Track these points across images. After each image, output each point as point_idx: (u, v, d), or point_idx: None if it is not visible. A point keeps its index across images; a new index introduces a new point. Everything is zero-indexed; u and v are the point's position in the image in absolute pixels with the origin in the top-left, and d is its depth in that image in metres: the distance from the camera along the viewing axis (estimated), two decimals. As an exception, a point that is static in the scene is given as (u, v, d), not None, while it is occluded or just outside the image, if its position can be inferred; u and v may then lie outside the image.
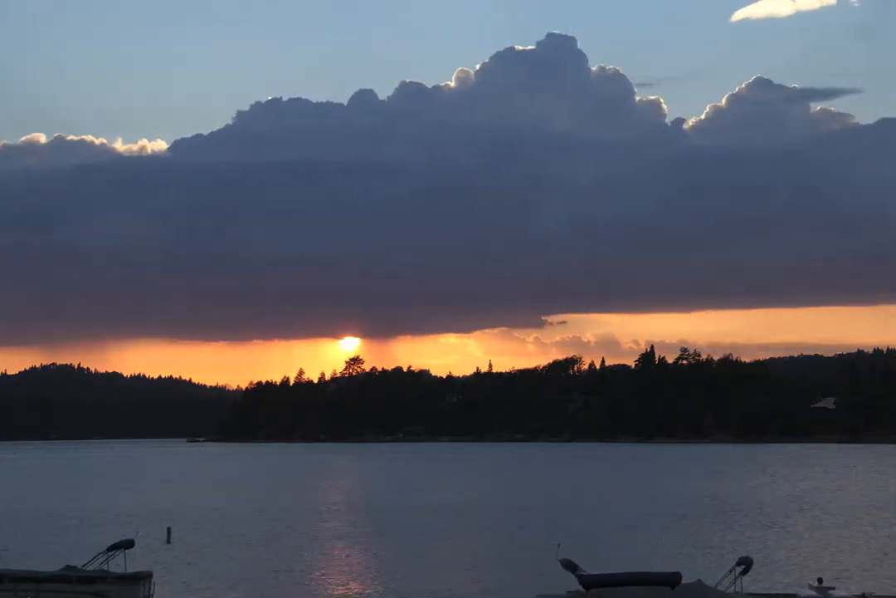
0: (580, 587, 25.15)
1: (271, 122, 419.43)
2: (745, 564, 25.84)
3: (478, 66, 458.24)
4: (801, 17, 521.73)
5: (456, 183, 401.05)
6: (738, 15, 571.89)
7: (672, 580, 24.39)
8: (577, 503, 74.61)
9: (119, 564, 32.69)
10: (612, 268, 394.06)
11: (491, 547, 48.25)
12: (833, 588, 26.30)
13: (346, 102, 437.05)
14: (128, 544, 33.45)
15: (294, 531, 56.23)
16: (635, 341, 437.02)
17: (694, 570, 33.70)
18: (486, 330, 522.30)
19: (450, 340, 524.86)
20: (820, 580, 26.97)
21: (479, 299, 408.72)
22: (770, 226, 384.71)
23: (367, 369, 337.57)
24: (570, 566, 26.26)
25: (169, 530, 51.60)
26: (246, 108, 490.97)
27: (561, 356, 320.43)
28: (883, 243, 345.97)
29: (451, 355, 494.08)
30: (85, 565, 32.43)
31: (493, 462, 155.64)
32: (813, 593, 26.09)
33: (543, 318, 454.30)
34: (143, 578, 31.38)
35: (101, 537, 47.52)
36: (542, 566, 36.24)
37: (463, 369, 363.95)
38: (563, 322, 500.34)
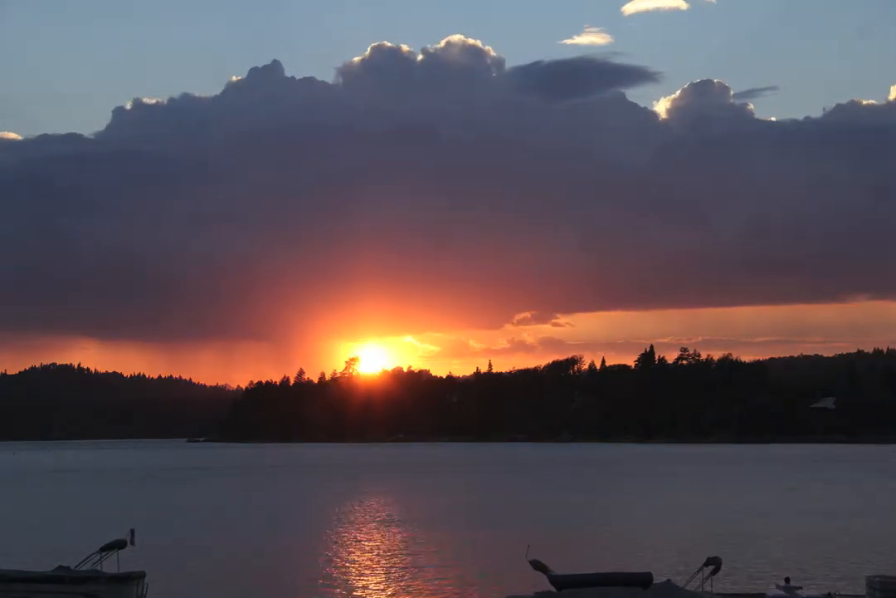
0: (551, 588, 25.13)
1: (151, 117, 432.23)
2: (715, 564, 26.06)
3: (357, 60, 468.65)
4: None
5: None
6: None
7: (644, 580, 24.55)
8: (548, 503, 74.64)
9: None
10: (553, 269, 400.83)
11: (460, 548, 48.32)
12: (800, 588, 26.51)
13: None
14: (121, 544, 33.46)
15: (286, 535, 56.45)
16: (580, 341, 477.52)
17: (660, 570, 33.87)
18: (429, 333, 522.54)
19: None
20: (787, 580, 27.19)
21: (427, 301, 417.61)
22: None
23: (367, 370, 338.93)
24: (539, 566, 26.31)
25: (132, 531, 51.51)
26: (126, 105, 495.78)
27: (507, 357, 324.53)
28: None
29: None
30: (78, 565, 32.44)
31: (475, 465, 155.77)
32: (781, 592, 26.28)
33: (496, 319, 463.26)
34: (136, 578, 31.23)
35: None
36: (512, 567, 36.26)
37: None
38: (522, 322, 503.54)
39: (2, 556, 43.71)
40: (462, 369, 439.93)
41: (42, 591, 30.38)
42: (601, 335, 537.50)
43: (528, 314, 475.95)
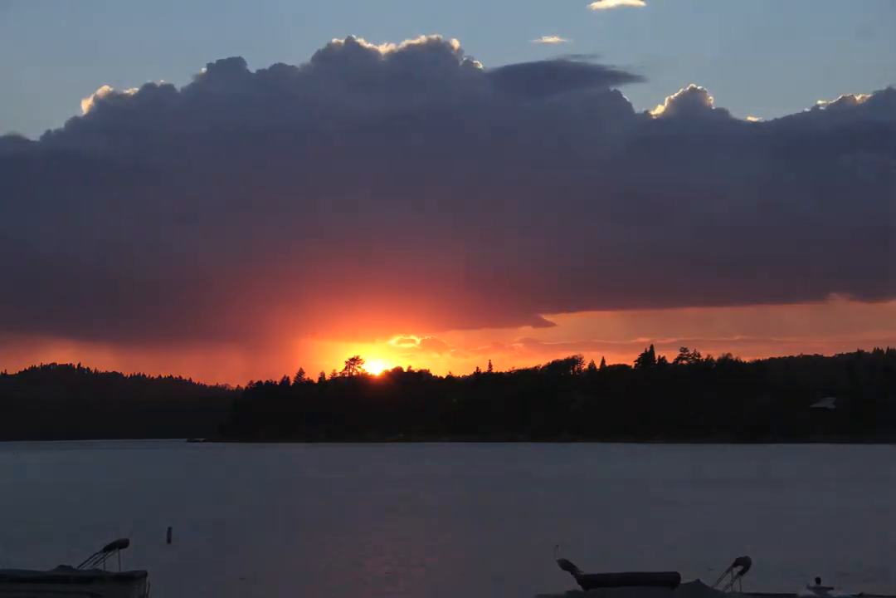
0: (579, 587, 25.03)
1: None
2: (744, 564, 25.79)
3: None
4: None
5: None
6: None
7: (671, 579, 24.35)
8: (574, 502, 74.39)
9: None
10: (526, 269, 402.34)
11: (488, 547, 48.00)
12: (831, 588, 26.11)
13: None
14: (123, 543, 33.28)
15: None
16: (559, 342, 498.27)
17: (688, 570, 33.57)
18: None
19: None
20: (818, 580, 26.79)
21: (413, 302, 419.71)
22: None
23: (367, 369, 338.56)
24: (568, 566, 26.21)
25: (170, 529, 51.21)
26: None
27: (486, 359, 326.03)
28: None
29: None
30: (81, 565, 32.21)
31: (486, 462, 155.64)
32: (811, 593, 25.89)
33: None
34: (138, 577, 31.09)
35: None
36: (540, 566, 36.03)
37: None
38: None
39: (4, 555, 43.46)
40: (448, 369, 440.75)
41: (47, 591, 30.19)
42: (582, 335, 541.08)
43: (508, 314, 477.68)
